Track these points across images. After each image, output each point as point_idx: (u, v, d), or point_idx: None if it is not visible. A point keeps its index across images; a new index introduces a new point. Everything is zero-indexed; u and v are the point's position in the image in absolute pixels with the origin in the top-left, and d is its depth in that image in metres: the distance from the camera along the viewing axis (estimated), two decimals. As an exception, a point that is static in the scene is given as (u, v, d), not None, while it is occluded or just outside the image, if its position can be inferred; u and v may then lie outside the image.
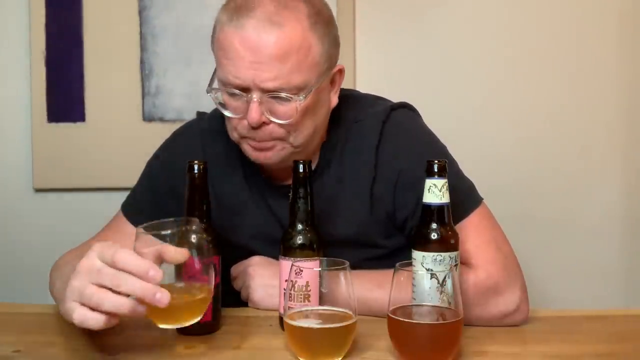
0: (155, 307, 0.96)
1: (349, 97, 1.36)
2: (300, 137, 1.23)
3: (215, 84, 1.25)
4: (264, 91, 1.17)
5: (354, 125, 1.31)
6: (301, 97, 1.18)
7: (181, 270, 1.04)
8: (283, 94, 1.17)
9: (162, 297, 0.93)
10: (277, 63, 1.15)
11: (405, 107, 1.37)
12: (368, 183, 1.29)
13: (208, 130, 1.39)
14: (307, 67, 1.18)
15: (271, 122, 1.20)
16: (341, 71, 1.29)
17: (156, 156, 1.44)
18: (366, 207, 1.30)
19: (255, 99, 1.17)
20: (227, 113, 1.23)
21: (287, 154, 1.24)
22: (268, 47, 1.15)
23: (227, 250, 1.19)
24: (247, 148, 1.25)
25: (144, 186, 1.42)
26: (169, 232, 1.01)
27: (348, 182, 1.30)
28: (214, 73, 1.26)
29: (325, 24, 1.22)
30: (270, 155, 1.24)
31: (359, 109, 1.33)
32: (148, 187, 1.41)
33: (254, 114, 1.17)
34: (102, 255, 0.96)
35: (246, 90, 1.18)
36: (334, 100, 1.29)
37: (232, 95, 1.20)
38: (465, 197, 1.25)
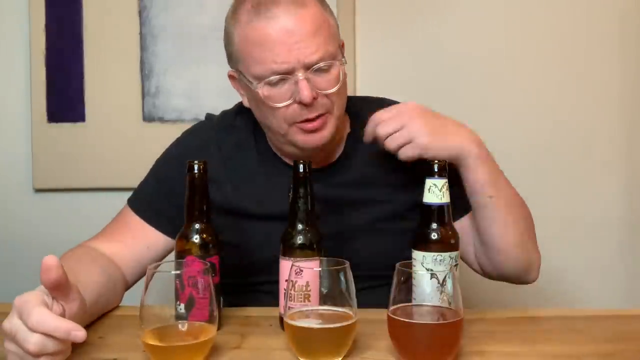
0: (157, 350, 0.97)
1: (360, 97, 1.47)
2: (341, 105, 1.33)
3: (253, 84, 1.28)
4: (307, 67, 1.25)
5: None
6: (342, 60, 1.30)
7: (182, 277, 1.04)
8: (325, 64, 1.26)
9: (78, 334, 0.92)
10: (313, 38, 1.25)
11: None
12: (391, 168, 1.35)
13: (222, 124, 1.44)
14: (332, 38, 1.29)
15: (319, 96, 1.26)
16: (343, 45, 1.36)
17: (168, 152, 1.46)
18: (392, 189, 1.37)
19: (301, 77, 1.24)
20: (276, 104, 1.27)
21: (333, 129, 1.31)
22: (302, 26, 1.24)
23: (227, 250, 1.19)
24: (298, 135, 1.30)
25: (153, 180, 1.43)
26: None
27: (373, 167, 1.38)
28: (240, 74, 1.31)
29: (325, 2, 1.33)
30: (323, 134, 1.30)
31: (371, 105, 1.37)
32: (159, 181, 1.42)
33: (306, 90, 1.24)
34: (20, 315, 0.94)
35: (290, 72, 1.25)
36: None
37: (276, 84, 1.26)
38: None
